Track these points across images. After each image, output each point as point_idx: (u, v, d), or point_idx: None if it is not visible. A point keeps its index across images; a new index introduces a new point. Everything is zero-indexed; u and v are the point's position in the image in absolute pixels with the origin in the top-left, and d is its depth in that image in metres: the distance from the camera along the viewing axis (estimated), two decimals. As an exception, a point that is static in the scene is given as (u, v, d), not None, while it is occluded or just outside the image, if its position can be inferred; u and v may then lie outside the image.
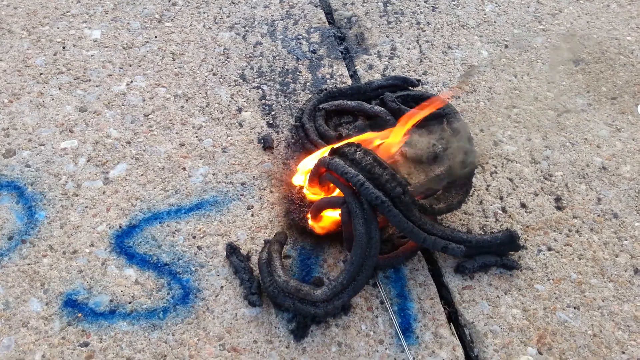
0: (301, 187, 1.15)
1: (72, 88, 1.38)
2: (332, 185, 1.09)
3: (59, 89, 1.37)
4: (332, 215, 1.09)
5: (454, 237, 1.03)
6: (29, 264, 1.04)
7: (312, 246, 1.10)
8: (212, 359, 0.94)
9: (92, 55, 1.48)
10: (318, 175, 1.07)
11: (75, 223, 1.11)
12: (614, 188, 1.26)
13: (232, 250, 1.08)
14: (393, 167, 0.99)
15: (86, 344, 0.94)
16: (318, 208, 1.07)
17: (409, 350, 0.96)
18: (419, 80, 1.43)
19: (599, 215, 1.21)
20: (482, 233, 1.14)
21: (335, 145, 1.06)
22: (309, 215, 1.09)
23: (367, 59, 1.55)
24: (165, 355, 0.94)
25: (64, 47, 1.49)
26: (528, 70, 1.56)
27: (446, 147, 1.18)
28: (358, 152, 1.00)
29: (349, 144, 1.03)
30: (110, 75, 1.43)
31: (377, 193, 0.94)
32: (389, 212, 0.95)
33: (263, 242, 1.10)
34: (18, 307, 0.98)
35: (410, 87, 1.41)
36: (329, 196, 1.10)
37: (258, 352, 0.95)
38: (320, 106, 1.32)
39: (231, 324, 0.98)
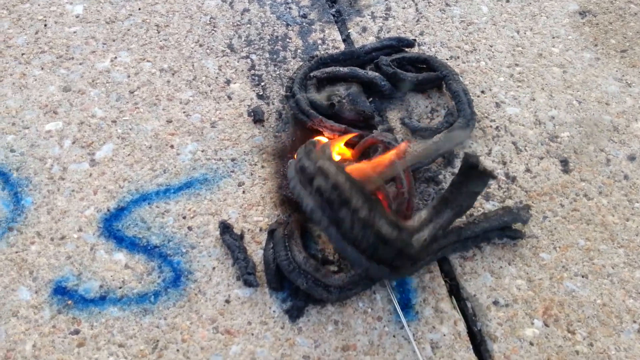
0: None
1: (55, 67, 1.33)
2: None
3: (42, 68, 1.32)
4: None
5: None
6: (16, 252, 1.01)
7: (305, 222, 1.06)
8: (206, 342, 0.91)
9: (74, 32, 1.42)
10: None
11: (63, 208, 1.07)
12: (624, 147, 1.20)
13: (225, 228, 1.04)
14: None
15: (77, 332, 0.92)
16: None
17: (409, 327, 0.93)
18: (414, 40, 1.35)
19: (608, 177, 1.15)
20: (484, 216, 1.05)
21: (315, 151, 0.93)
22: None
23: (360, 21, 1.47)
24: (158, 340, 0.91)
25: (45, 25, 1.43)
26: (531, 24, 1.47)
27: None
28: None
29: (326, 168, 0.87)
30: (94, 51, 1.37)
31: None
32: None
33: (277, 219, 1.05)
34: (7, 296, 0.96)
35: (405, 48, 1.34)
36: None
37: (252, 334, 0.92)
38: (312, 74, 1.26)
39: (224, 305, 0.95)
